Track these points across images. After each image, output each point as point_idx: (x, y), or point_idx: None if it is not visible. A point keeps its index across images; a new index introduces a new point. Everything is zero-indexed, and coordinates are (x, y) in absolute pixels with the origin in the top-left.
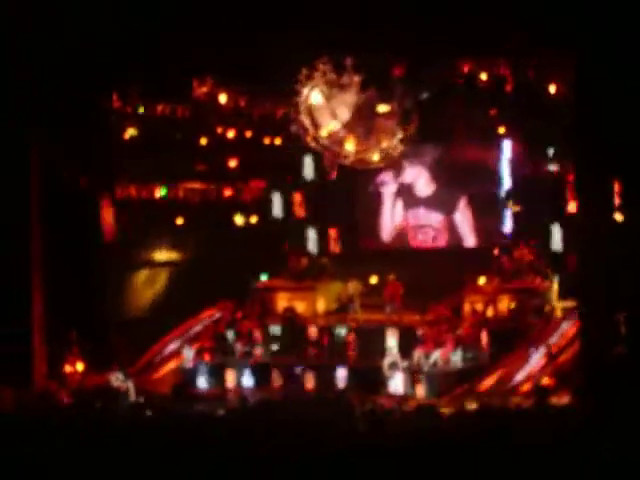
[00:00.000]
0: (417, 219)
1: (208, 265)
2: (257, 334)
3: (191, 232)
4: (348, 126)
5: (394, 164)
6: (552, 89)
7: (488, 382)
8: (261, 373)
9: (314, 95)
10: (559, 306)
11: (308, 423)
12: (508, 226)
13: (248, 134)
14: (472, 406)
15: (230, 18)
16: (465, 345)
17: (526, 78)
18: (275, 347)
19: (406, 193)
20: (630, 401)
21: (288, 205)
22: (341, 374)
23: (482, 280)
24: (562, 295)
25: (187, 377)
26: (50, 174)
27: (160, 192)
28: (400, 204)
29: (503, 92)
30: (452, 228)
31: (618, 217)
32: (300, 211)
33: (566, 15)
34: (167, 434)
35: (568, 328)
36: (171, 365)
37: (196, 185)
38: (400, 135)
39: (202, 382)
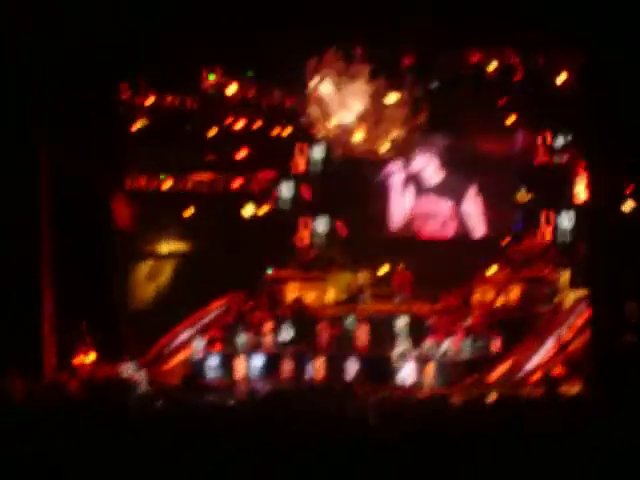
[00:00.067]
0: (426, 206)
1: (217, 256)
2: (267, 325)
3: (200, 223)
4: (357, 116)
5: (404, 154)
6: (561, 78)
7: (498, 372)
8: (271, 364)
9: (323, 85)
10: (569, 295)
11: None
12: (518, 215)
13: (257, 125)
14: (482, 396)
15: (239, 8)
16: (475, 334)
17: (535, 67)
18: (285, 338)
19: (415, 181)
20: None
21: (297, 196)
22: (351, 364)
23: (492, 269)
24: (572, 284)
25: (197, 368)
26: (59, 165)
27: (166, 183)
28: (410, 192)
29: (512, 81)
30: (461, 217)
31: (628, 205)
32: (309, 201)
33: (576, 5)
34: (177, 425)
35: (578, 317)
36: (181, 356)
37: (205, 176)
38: (410, 125)
39: (212, 373)
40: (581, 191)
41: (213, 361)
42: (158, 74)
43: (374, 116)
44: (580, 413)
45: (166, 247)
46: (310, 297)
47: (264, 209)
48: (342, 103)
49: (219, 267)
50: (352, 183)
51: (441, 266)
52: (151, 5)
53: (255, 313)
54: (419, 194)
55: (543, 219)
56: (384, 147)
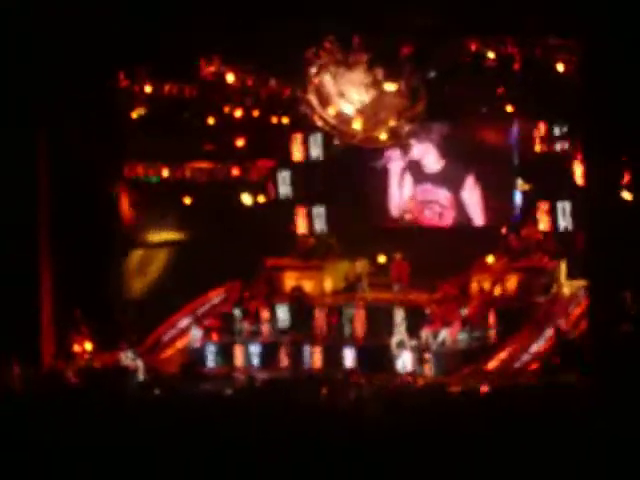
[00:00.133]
0: (424, 195)
1: (215, 245)
2: (264, 313)
3: (198, 211)
4: (356, 105)
5: (402, 143)
6: (560, 67)
7: (495, 361)
8: (269, 352)
9: (321, 74)
10: (567, 285)
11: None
12: (517, 205)
13: (255, 113)
14: (480, 385)
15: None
16: (472, 324)
17: (534, 56)
18: (283, 326)
19: (414, 169)
20: (637, 379)
21: (295, 184)
22: (348, 353)
23: (490, 259)
24: (570, 274)
25: (195, 356)
26: (57, 154)
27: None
28: (408, 180)
29: (511, 70)
30: (459, 206)
31: (626, 195)
32: (308, 190)
33: None
34: (175, 413)
35: (575, 307)
36: (179, 345)
37: (203, 164)
38: (408, 114)
39: (210, 361)
40: (579, 181)
41: (211, 350)
42: (156, 63)
43: (372, 105)
44: (577, 402)
45: (164, 236)
46: (308, 286)
47: (262, 198)
48: (340, 92)
49: (217, 256)
50: (350, 172)
51: (439, 255)
52: None
53: (253, 302)
54: (417, 180)
55: (541, 209)
56: (382, 136)
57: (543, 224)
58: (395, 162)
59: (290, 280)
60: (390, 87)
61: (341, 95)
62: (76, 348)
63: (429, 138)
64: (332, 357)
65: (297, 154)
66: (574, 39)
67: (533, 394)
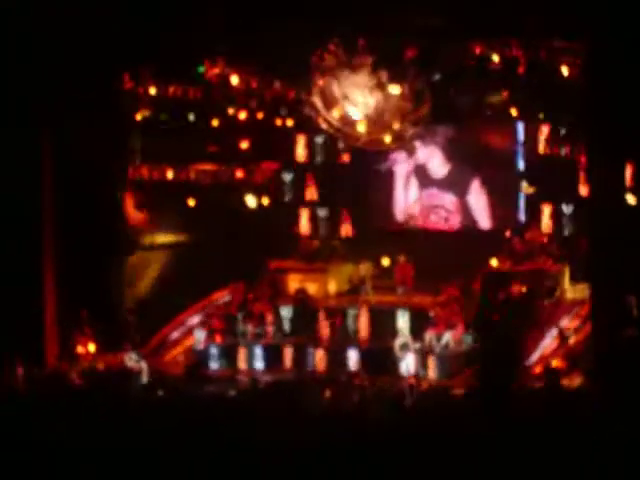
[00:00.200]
0: (430, 199)
1: (219, 246)
2: (268, 315)
3: (202, 213)
4: (360, 107)
5: (407, 145)
6: (565, 70)
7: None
8: (272, 354)
9: (326, 77)
10: (570, 288)
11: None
12: (522, 208)
13: (260, 115)
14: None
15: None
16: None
17: (538, 59)
18: (286, 328)
19: (419, 173)
20: None
21: (299, 187)
22: (352, 355)
23: (494, 262)
24: (573, 277)
25: (199, 358)
26: (61, 155)
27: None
28: (414, 184)
29: (515, 73)
30: (465, 210)
31: (630, 199)
32: (311, 193)
33: None
34: (179, 415)
35: (579, 310)
36: (182, 346)
37: (207, 166)
38: (412, 116)
39: (213, 363)
40: (583, 184)
41: (215, 352)
42: (160, 65)
43: (377, 108)
44: (580, 406)
45: (168, 237)
46: (312, 288)
47: (266, 200)
48: (344, 95)
49: (221, 258)
50: (354, 174)
51: (443, 258)
52: None
53: (257, 304)
54: (423, 185)
55: (545, 212)
56: (387, 139)
57: (547, 227)
58: (400, 165)
59: (294, 282)
60: (394, 90)
61: (345, 98)
62: (80, 349)
63: (434, 141)
64: (336, 359)
65: (301, 156)
66: (578, 42)
67: (537, 397)
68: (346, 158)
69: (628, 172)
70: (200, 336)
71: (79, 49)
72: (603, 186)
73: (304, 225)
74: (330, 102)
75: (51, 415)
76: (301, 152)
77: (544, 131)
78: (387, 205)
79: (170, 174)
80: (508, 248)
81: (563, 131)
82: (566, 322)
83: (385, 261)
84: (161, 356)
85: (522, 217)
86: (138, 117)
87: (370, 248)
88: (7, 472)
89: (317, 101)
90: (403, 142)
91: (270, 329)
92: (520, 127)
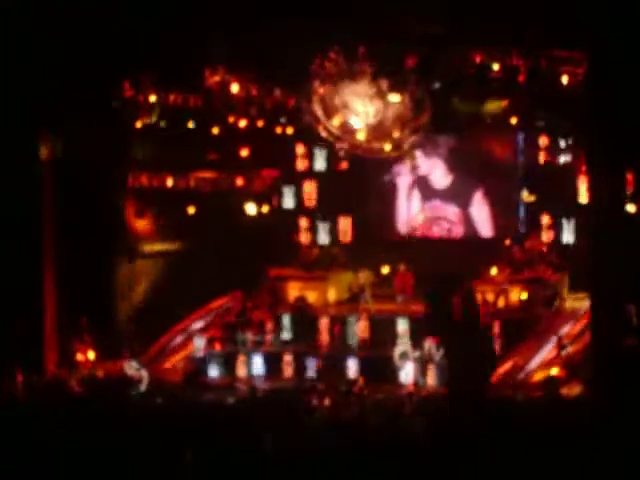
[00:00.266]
0: (432, 211)
1: (219, 254)
2: (268, 323)
3: (202, 221)
4: (360, 116)
5: (407, 154)
6: (565, 79)
7: (499, 372)
8: (272, 362)
9: (326, 85)
10: (570, 297)
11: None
12: (522, 217)
13: (260, 123)
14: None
15: (242, 6)
16: None
17: (539, 68)
18: (286, 336)
19: (422, 185)
20: None
21: (300, 195)
22: (352, 364)
23: (493, 270)
24: (573, 286)
25: (198, 366)
26: (61, 163)
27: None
28: (416, 196)
29: (515, 82)
30: (468, 221)
31: (630, 208)
32: (311, 201)
33: (581, 6)
34: (178, 422)
35: (578, 319)
36: (182, 354)
37: (207, 174)
38: (412, 125)
39: (213, 371)
40: (583, 193)
41: (214, 360)
42: (161, 72)
43: (376, 116)
44: (580, 415)
45: (168, 245)
46: (312, 296)
47: (266, 207)
48: (344, 103)
49: (221, 265)
50: (355, 183)
51: (442, 267)
52: (155, 4)
53: (256, 312)
54: (426, 197)
55: (545, 221)
56: (387, 147)
57: (547, 236)
58: (403, 177)
59: (293, 290)
60: (394, 98)
61: (345, 106)
62: (79, 357)
63: (436, 152)
64: (335, 368)
65: (302, 164)
66: (578, 51)
67: (536, 406)
68: (346, 166)
69: (628, 181)
70: (199, 344)
71: (79, 49)
72: (603, 195)
73: (304, 233)
74: (330, 110)
75: (51, 422)
76: (301, 160)
77: (544, 140)
78: (387, 214)
79: (170, 182)
80: (508, 257)
81: (563, 140)
82: (565, 331)
83: (385, 269)
84: (160, 364)
85: (522, 226)
86: (138, 125)
87: (370, 256)
88: (7, 479)
89: (317, 109)
90: (403, 150)
91: (269, 337)
92: (520, 136)
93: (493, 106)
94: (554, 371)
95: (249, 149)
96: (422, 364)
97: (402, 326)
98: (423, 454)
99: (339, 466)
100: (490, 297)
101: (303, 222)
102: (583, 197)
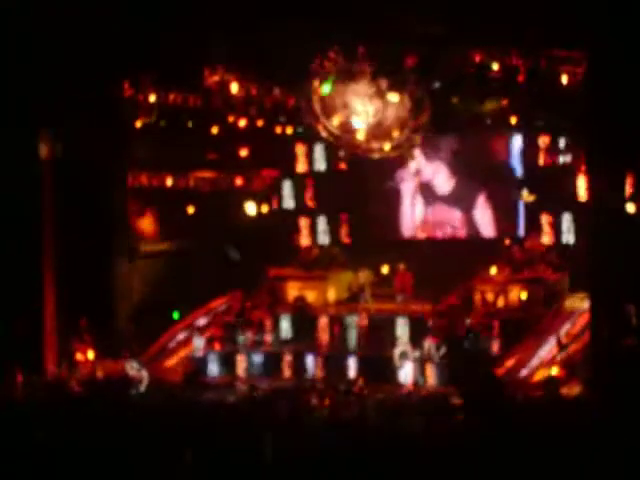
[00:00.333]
0: (436, 216)
1: (218, 254)
2: (267, 323)
3: (201, 221)
4: (359, 115)
5: (407, 154)
6: (564, 79)
7: (498, 372)
8: (271, 362)
9: (326, 84)
10: (569, 297)
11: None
12: (522, 217)
13: (259, 123)
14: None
15: (242, 6)
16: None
17: (538, 68)
18: (285, 336)
19: (425, 191)
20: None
21: (299, 194)
22: (352, 363)
23: (493, 270)
24: (572, 286)
25: (198, 366)
26: (61, 163)
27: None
28: (420, 201)
29: (515, 82)
30: (471, 224)
31: (630, 208)
32: (311, 201)
33: (581, 7)
34: (177, 421)
35: (578, 319)
36: (181, 354)
37: (207, 174)
38: (412, 124)
39: (212, 371)
40: (582, 193)
41: (213, 359)
42: (161, 72)
43: (376, 116)
44: (579, 415)
45: (167, 244)
46: (311, 296)
47: (266, 207)
48: (344, 103)
49: (220, 265)
50: (355, 183)
51: (442, 266)
52: (154, 4)
53: (256, 311)
54: (429, 204)
55: (544, 221)
56: (386, 146)
57: (546, 236)
58: (407, 183)
59: (293, 290)
60: (394, 98)
61: (345, 105)
62: (79, 357)
63: (438, 156)
64: (335, 367)
65: (301, 164)
66: (578, 51)
67: (536, 406)
68: (345, 166)
69: (627, 181)
70: (199, 343)
71: (79, 49)
72: (603, 194)
73: (303, 233)
74: (330, 110)
75: (51, 422)
76: (301, 160)
77: (544, 140)
78: (387, 214)
79: (169, 181)
80: (507, 256)
81: (563, 140)
82: (565, 331)
83: (385, 269)
84: (160, 363)
85: (522, 225)
86: (138, 124)
87: (370, 256)
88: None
89: (317, 109)
90: (402, 150)
91: (269, 337)
92: (520, 136)
93: (492, 105)
94: (554, 371)
95: (249, 149)
96: (422, 364)
97: (402, 326)
98: (423, 454)
99: (339, 466)
100: (490, 297)
101: (302, 222)
102: (583, 197)
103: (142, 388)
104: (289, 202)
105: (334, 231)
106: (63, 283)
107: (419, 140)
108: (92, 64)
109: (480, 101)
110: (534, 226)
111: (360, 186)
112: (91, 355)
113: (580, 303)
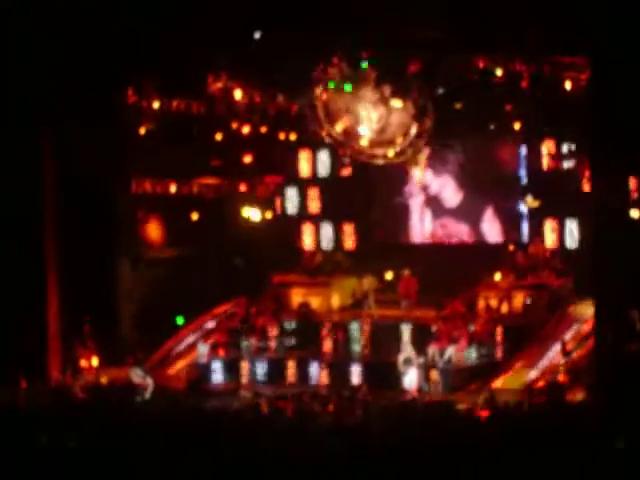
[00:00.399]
0: (444, 229)
1: (222, 261)
2: (271, 329)
3: (205, 227)
4: (363, 121)
5: (410, 160)
6: (568, 84)
7: (502, 378)
8: (275, 368)
9: (329, 91)
10: (573, 303)
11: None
12: (526, 223)
13: (263, 129)
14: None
15: (246, 14)
16: (479, 341)
17: (542, 74)
18: (289, 342)
19: (433, 204)
20: None
21: (303, 201)
22: (355, 370)
23: (497, 276)
24: (576, 292)
25: (202, 372)
26: (64, 169)
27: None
28: (428, 216)
29: (519, 88)
30: (478, 235)
31: (633, 213)
32: (315, 207)
33: (583, 13)
34: (181, 428)
35: (582, 325)
36: (186, 360)
37: (211, 180)
38: (415, 130)
39: (216, 377)
40: (586, 198)
41: (217, 365)
42: (164, 78)
43: (380, 122)
44: (583, 420)
45: (171, 251)
46: (315, 302)
47: (270, 214)
48: (347, 109)
49: (224, 271)
50: (358, 189)
51: (446, 272)
52: (157, 9)
53: (260, 318)
54: (437, 217)
55: (548, 226)
56: (390, 152)
57: (550, 242)
58: (414, 198)
59: (297, 296)
60: (397, 104)
61: (348, 112)
62: (83, 363)
63: (446, 169)
64: (339, 374)
65: (305, 170)
66: (580, 57)
67: (540, 412)
68: (349, 172)
69: (631, 186)
70: (203, 350)
71: (79, 49)
72: (606, 200)
73: (307, 239)
74: (333, 116)
75: (54, 429)
76: (304, 166)
77: (548, 145)
78: (393, 223)
79: (173, 188)
80: (511, 262)
81: (567, 145)
82: (569, 336)
83: (389, 275)
84: (164, 370)
85: (526, 231)
86: (141, 131)
87: (374, 262)
88: None
89: (320, 115)
90: (406, 156)
91: (273, 343)
92: (524, 141)
93: (497, 113)
94: (558, 377)
95: (252, 155)
96: (426, 370)
97: (406, 332)
98: (427, 460)
99: (343, 472)
100: (494, 303)
101: (306, 228)
102: (586, 202)
103: (147, 395)
104: (293, 208)
105: (338, 237)
106: (67, 289)
107: (422, 146)
108: (94, 66)
109: (484, 107)
110: (538, 232)
111: (364, 192)
112: (95, 362)
113: (584, 309)
